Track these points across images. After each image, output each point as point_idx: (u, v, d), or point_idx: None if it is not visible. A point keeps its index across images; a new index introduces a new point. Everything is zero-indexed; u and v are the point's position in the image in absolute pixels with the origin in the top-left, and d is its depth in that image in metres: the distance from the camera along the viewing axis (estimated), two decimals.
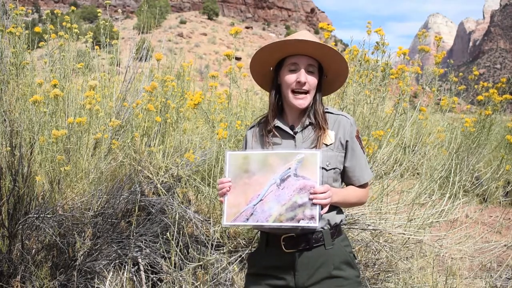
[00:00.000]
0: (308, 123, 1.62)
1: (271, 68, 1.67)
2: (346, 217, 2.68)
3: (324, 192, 1.41)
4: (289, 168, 1.44)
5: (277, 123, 1.64)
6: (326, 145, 1.59)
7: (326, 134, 1.59)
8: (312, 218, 1.39)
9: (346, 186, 1.69)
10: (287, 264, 1.55)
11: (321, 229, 1.55)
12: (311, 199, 1.40)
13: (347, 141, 1.62)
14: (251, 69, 1.72)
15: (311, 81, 1.58)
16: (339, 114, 1.65)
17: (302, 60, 1.58)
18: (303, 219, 1.40)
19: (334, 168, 1.59)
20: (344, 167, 1.63)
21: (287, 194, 1.43)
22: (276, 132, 1.64)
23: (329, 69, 1.64)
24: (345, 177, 1.66)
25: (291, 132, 1.62)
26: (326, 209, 1.43)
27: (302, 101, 1.58)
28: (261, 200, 1.45)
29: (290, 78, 1.58)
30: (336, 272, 1.55)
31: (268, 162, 1.47)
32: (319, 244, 1.56)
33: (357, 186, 1.65)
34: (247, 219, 1.45)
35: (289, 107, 1.65)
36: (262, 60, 1.66)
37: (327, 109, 1.66)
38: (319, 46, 1.55)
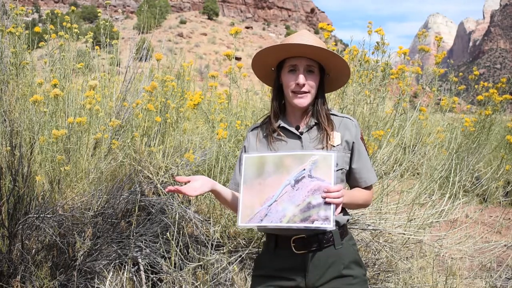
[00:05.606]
0: (313, 124, 1.63)
1: (273, 69, 1.69)
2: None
3: (338, 191, 1.41)
4: (304, 169, 1.44)
5: (282, 123, 1.65)
6: (333, 146, 1.60)
7: (332, 135, 1.60)
8: (326, 219, 1.39)
9: (351, 188, 1.69)
10: (298, 265, 1.56)
11: (331, 229, 1.56)
12: (324, 198, 1.40)
13: (353, 143, 1.63)
14: (253, 69, 1.72)
15: (311, 81, 1.59)
16: (343, 117, 1.67)
17: (301, 61, 1.59)
18: (317, 220, 1.40)
19: (341, 169, 1.60)
20: (351, 168, 1.64)
21: (301, 195, 1.43)
22: (281, 132, 1.64)
23: (330, 69, 1.65)
24: (351, 179, 1.67)
25: (297, 133, 1.63)
26: (339, 209, 1.43)
27: (303, 100, 1.59)
28: (275, 201, 1.45)
29: (290, 80, 1.60)
30: (346, 271, 1.57)
31: (283, 163, 1.47)
32: (329, 244, 1.57)
33: (362, 188, 1.66)
34: (261, 220, 1.45)
35: (291, 107, 1.66)
36: (261, 62, 1.67)
37: (330, 111, 1.67)
38: (316, 49, 1.56)
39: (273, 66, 1.67)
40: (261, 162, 1.50)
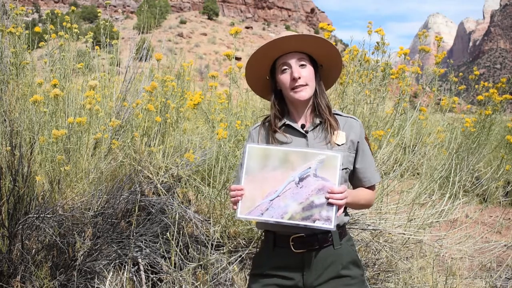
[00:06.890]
0: (318, 122, 1.63)
1: (267, 77, 1.68)
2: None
3: (341, 193, 1.42)
4: (309, 168, 1.44)
5: (287, 121, 1.64)
6: (338, 145, 1.59)
7: (337, 133, 1.60)
8: (328, 219, 1.39)
9: (354, 188, 1.69)
10: (296, 264, 1.56)
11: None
12: (327, 199, 1.40)
13: (358, 142, 1.63)
14: (249, 83, 1.72)
15: (306, 73, 1.59)
16: (348, 117, 1.67)
17: (290, 57, 1.59)
18: (319, 220, 1.40)
19: (345, 168, 1.60)
20: (355, 168, 1.64)
21: (305, 193, 1.42)
22: (286, 131, 1.64)
23: (320, 57, 1.65)
24: (355, 179, 1.67)
25: (302, 131, 1.62)
26: (341, 210, 1.43)
27: (303, 93, 1.59)
28: (278, 196, 1.44)
29: (285, 78, 1.60)
30: (344, 272, 1.57)
31: (289, 159, 1.46)
32: (328, 244, 1.57)
33: (366, 188, 1.66)
34: (262, 214, 1.44)
35: (293, 106, 1.65)
36: (254, 70, 1.67)
37: (335, 111, 1.67)
38: (298, 38, 1.56)
39: (267, 73, 1.67)
40: (265, 155, 1.48)
